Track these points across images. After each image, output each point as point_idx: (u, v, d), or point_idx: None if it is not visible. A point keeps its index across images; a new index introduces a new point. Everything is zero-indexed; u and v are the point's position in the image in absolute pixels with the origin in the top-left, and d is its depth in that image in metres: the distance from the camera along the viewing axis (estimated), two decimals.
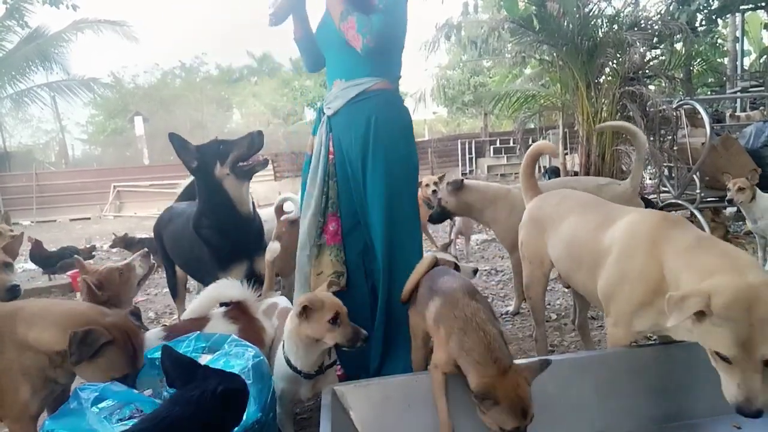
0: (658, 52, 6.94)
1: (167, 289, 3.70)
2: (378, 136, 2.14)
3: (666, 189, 5.98)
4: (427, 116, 26.56)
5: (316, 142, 2.31)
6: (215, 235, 2.54)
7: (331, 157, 2.26)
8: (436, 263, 1.97)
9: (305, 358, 1.79)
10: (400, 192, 2.19)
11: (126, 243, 5.81)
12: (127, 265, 2.19)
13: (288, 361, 1.81)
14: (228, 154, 2.43)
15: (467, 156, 17.40)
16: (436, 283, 1.80)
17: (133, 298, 2.24)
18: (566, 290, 3.69)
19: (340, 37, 2.12)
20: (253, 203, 2.67)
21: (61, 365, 1.69)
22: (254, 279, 2.56)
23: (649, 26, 6.36)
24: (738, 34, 11.13)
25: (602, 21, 6.37)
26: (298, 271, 2.33)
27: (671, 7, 7.69)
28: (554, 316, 3.43)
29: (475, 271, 2.80)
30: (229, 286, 2.14)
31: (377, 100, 2.17)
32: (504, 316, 3.51)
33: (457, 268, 2.52)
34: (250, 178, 2.54)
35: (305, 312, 1.69)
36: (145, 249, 2.31)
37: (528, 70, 10.39)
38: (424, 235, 5.57)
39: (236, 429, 1.56)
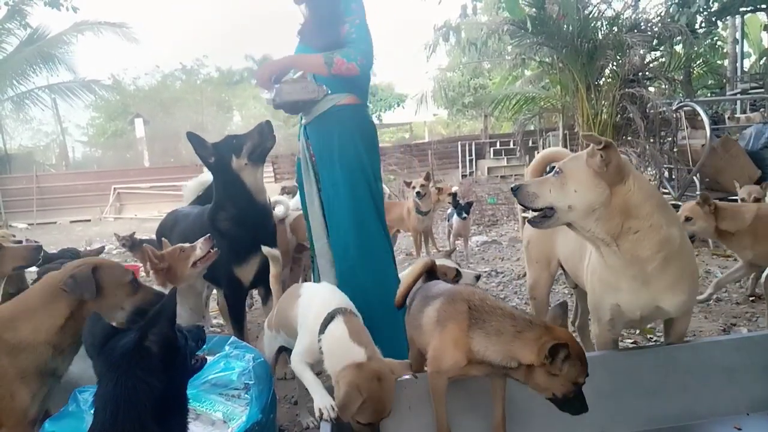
0: (658, 54, 6.95)
1: None
2: (343, 146, 2.37)
3: (666, 191, 5.99)
4: (428, 118, 26.59)
5: (300, 147, 2.55)
6: (234, 227, 2.59)
7: (313, 159, 2.49)
8: (432, 268, 1.93)
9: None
10: (362, 198, 2.38)
11: (132, 243, 5.81)
12: (191, 246, 2.33)
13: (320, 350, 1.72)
14: (242, 146, 2.57)
15: (467, 158, 17.38)
16: (431, 291, 1.76)
17: (190, 276, 2.34)
18: (573, 290, 3.69)
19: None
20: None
21: (64, 348, 1.70)
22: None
23: (648, 28, 6.37)
24: (738, 36, 11.13)
25: (602, 23, 6.38)
26: (321, 257, 2.50)
27: (671, 9, 7.69)
28: None
29: (478, 278, 2.77)
30: None
31: (345, 113, 2.39)
32: None
33: (458, 274, 2.51)
34: (264, 162, 2.66)
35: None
36: (209, 234, 2.41)
37: (528, 72, 10.40)
38: (425, 239, 5.55)
39: (236, 430, 1.56)
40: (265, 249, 2.30)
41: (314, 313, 1.75)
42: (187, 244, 2.38)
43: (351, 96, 2.40)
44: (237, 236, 2.57)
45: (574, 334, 2.97)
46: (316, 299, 1.83)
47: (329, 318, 1.69)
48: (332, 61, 2.24)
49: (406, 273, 1.97)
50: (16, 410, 1.65)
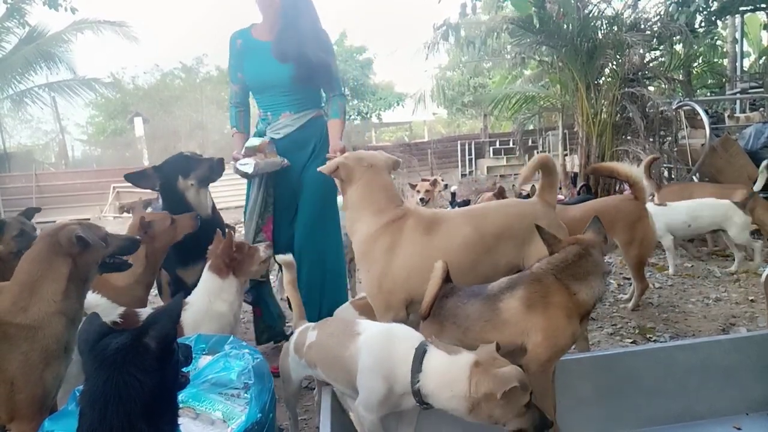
0: (658, 53, 6.94)
1: None
2: (322, 149, 2.80)
3: None
4: (427, 117, 26.61)
5: None
6: None
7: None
8: (447, 269, 1.85)
9: (452, 410, 1.46)
10: (332, 189, 2.78)
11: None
12: (255, 247, 2.47)
13: (417, 392, 1.47)
14: (190, 170, 2.80)
15: (467, 157, 17.40)
16: (482, 289, 1.77)
17: (250, 273, 2.46)
18: None
19: (285, 81, 2.76)
20: (213, 205, 2.96)
21: (74, 315, 1.73)
22: None
23: (648, 27, 6.36)
24: (737, 35, 11.11)
25: (602, 22, 6.37)
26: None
27: (670, 9, 7.68)
28: None
29: None
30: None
31: (319, 124, 2.90)
32: None
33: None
34: (208, 185, 2.90)
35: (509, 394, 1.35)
36: (270, 241, 2.66)
37: (528, 72, 10.40)
38: None
39: (236, 430, 1.56)
40: (279, 257, 2.28)
41: (400, 356, 1.51)
42: (252, 245, 2.51)
43: (320, 110, 2.94)
44: (179, 243, 2.68)
45: None
46: (395, 339, 1.58)
47: (420, 353, 1.49)
48: (344, 118, 2.88)
49: (430, 283, 1.84)
50: (38, 397, 1.63)
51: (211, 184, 2.93)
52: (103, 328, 1.20)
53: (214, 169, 2.89)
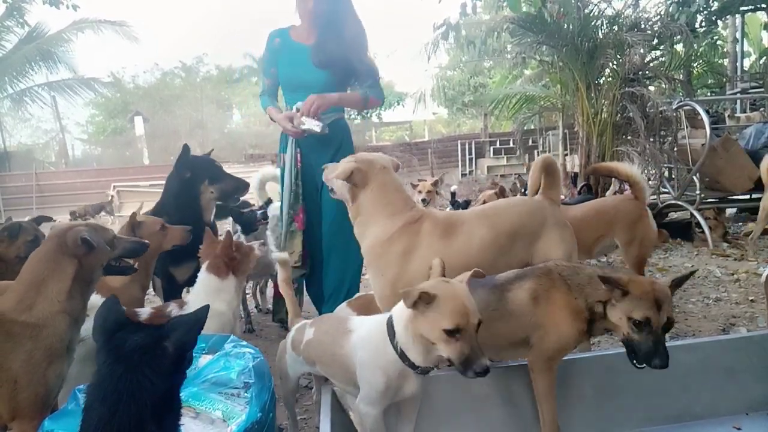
0: (658, 53, 6.94)
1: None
2: (347, 147, 2.92)
3: (666, 190, 5.99)
4: (427, 117, 26.60)
5: (287, 156, 2.94)
6: None
7: (299, 165, 2.93)
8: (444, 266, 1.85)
9: (424, 355, 1.49)
10: None
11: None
12: (250, 246, 2.47)
13: (402, 354, 1.51)
14: (217, 180, 2.93)
15: (467, 156, 17.41)
16: (491, 280, 1.78)
17: (247, 272, 2.47)
18: None
19: (320, 84, 2.79)
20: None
21: (77, 315, 1.74)
22: None
23: (649, 27, 6.36)
24: (738, 35, 11.12)
25: (602, 22, 6.37)
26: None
27: (671, 9, 7.68)
28: None
29: None
30: None
31: (342, 124, 2.99)
32: None
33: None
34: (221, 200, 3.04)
35: (420, 302, 1.41)
36: (263, 241, 2.70)
37: (528, 71, 10.40)
38: None
39: (236, 429, 1.56)
40: (276, 255, 2.27)
41: (384, 339, 1.54)
42: (248, 244, 2.51)
43: (341, 112, 2.99)
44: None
45: None
46: (381, 328, 1.59)
47: (390, 324, 1.55)
48: (368, 99, 2.87)
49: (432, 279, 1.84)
50: (40, 396, 1.63)
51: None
52: (121, 317, 1.21)
53: (239, 189, 3.02)
